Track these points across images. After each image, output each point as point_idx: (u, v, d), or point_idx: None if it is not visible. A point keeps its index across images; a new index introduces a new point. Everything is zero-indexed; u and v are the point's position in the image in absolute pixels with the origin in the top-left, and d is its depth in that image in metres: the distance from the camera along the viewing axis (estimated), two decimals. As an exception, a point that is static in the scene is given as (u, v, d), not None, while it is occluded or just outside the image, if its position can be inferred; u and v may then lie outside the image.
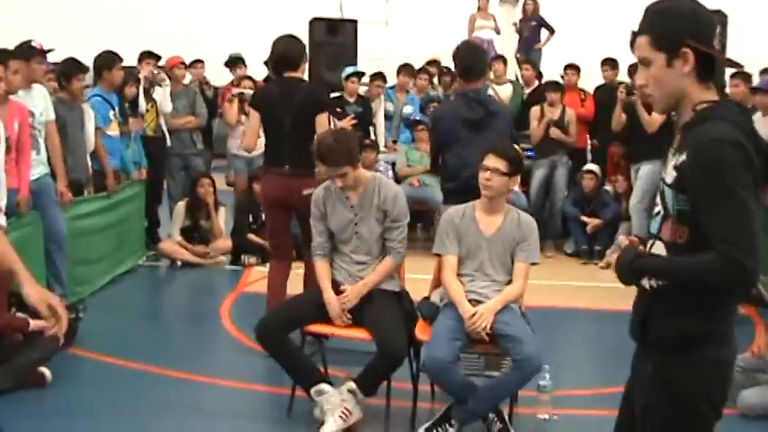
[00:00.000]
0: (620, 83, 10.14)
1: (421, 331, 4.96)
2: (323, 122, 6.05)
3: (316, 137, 5.78)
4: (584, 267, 9.39)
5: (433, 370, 4.61)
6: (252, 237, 9.18)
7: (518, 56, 14.08)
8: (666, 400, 2.57)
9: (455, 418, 4.69)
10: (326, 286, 5.08)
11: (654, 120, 8.85)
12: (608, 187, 10.18)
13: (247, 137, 6.28)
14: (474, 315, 4.65)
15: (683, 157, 2.49)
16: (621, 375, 2.86)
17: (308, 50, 6.67)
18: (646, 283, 2.62)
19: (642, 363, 2.69)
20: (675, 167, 2.53)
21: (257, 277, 8.41)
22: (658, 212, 2.65)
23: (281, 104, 6.04)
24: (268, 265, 6.54)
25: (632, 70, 9.49)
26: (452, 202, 5.28)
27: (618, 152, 10.14)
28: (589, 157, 11.00)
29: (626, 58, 10.23)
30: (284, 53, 6.14)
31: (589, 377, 6.06)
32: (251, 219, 9.33)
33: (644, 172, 9.11)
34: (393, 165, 10.21)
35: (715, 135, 2.43)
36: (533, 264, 4.96)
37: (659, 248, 2.62)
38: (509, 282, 4.88)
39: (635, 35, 2.62)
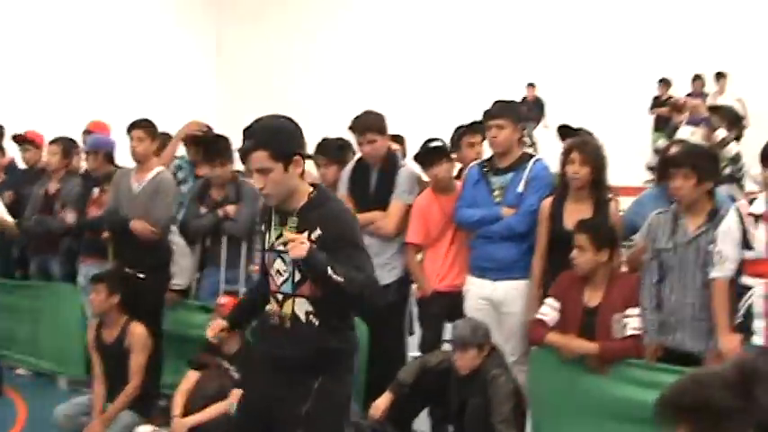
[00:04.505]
0: None
1: None
2: None
3: None
4: None
5: None
6: None
7: None
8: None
9: None
10: None
11: None
12: None
13: None
14: None
15: (317, 232, 3.59)
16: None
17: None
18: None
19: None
20: (310, 241, 3.56)
21: None
22: (288, 278, 3.69)
23: None
24: None
25: None
26: None
27: None
28: None
29: None
30: None
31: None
32: None
33: None
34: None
35: (340, 211, 3.75)
36: None
37: (300, 303, 3.70)
38: None
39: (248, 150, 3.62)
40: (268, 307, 3.82)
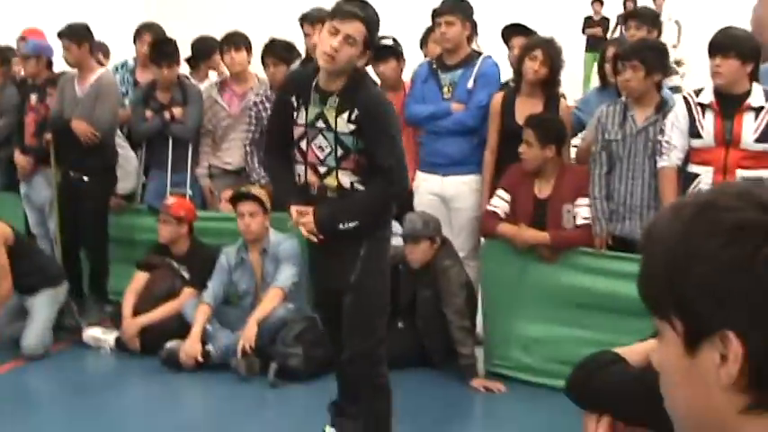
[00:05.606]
0: None
1: None
2: None
3: None
4: None
5: None
6: None
7: None
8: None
9: None
10: None
11: None
12: None
13: None
14: None
15: (355, 113, 3.76)
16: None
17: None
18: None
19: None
20: (351, 121, 3.78)
21: None
22: (330, 152, 3.86)
23: None
24: None
25: None
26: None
27: None
28: None
29: None
30: None
31: None
32: None
33: None
34: None
35: (378, 95, 3.95)
36: None
37: (345, 174, 3.88)
38: None
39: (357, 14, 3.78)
40: (302, 179, 3.99)
